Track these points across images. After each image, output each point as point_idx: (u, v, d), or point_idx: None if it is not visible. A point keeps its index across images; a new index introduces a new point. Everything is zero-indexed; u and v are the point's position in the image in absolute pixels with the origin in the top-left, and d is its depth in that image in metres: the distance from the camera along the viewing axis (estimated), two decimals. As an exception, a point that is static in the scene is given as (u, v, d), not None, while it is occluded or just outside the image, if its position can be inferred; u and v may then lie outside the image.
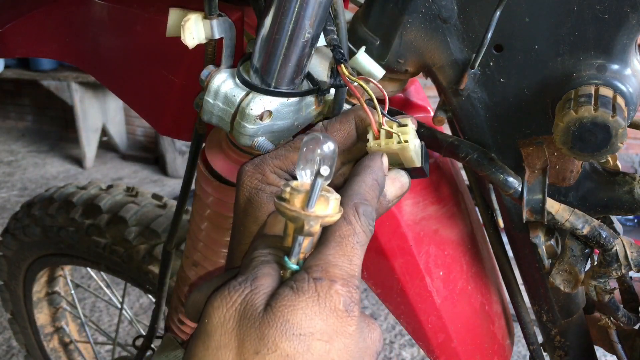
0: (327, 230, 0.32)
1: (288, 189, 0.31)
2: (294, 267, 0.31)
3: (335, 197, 0.32)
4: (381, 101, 0.38)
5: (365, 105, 0.37)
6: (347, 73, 0.38)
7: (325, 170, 0.30)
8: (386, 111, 0.38)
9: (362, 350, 0.30)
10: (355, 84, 0.38)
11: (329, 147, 0.32)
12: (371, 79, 0.38)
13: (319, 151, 0.31)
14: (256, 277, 0.30)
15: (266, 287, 0.30)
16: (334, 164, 0.32)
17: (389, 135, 0.37)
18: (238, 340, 0.28)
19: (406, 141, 0.37)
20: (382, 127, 0.37)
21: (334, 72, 0.42)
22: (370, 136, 0.38)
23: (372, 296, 2.30)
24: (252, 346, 0.28)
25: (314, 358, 0.28)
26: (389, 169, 0.40)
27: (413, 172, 0.41)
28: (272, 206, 0.37)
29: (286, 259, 0.32)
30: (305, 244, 0.32)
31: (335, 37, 0.41)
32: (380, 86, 0.39)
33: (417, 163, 0.40)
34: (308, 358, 0.27)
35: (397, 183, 0.40)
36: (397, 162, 0.40)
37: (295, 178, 0.38)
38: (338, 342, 0.28)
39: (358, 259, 0.32)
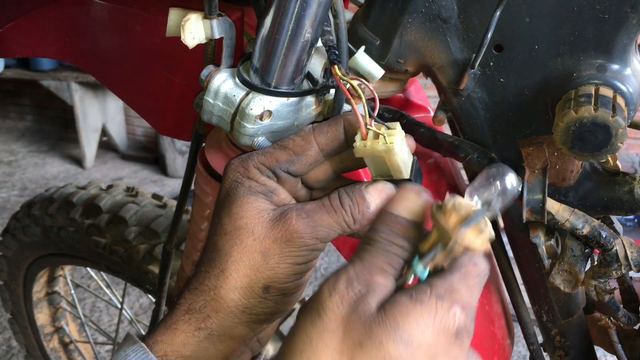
0: (456, 262, 0.32)
1: (451, 202, 0.32)
2: (420, 270, 0.32)
3: (489, 232, 0.32)
4: (382, 102, 0.38)
5: (355, 106, 0.37)
6: (339, 74, 0.38)
7: (496, 205, 0.31)
8: (376, 113, 0.38)
9: None
10: (349, 85, 0.38)
11: (512, 184, 0.32)
12: (362, 80, 0.38)
13: (499, 184, 0.32)
14: (372, 274, 0.31)
15: (382, 289, 0.30)
16: (509, 204, 0.32)
17: (376, 137, 0.38)
18: (344, 330, 0.29)
19: (391, 142, 0.37)
20: (369, 127, 0.37)
21: (328, 72, 0.42)
22: (357, 137, 0.38)
23: (372, 296, 2.29)
24: (357, 338, 0.28)
25: None
26: (376, 180, 0.40)
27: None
28: (249, 200, 0.37)
29: (417, 260, 0.32)
30: (439, 258, 0.32)
31: (331, 37, 0.41)
32: (372, 88, 0.39)
33: (405, 174, 0.39)
34: None
35: (382, 195, 0.38)
36: (386, 173, 0.40)
37: (277, 176, 0.38)
38: None
39: (477, 295, 0.32)
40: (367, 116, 0.37)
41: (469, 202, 0.32)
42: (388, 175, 0.40)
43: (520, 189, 0.32)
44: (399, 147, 0.38)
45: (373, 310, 0.29)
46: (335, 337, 0.29)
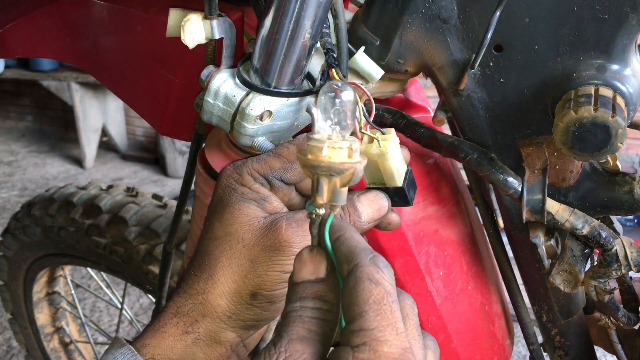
0: (358, 298, 0.29)
1: (303, 140, 0.31)
2: (312, 208, 0.31)
3: (354, 145, 0.31)
4: (381, 103, 0.38)
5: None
6: (337, 77, 0.39)
7: (342, 118, 0.30)
8: (372, 117, 0.38)
9: None
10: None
11: (347, 95, 0.31)
12: (357, 84, 0.39)
13: (333, 101, 0.31)
14: (290, 341, 0.28)
15: (301, 354, 0.28)
16: (351, 112, 0.31)
17: (371, 142, 0.38)
18: None
19: (385, 147, 0.37)
20: (363, 131, 0.38)
21: (325, 74, 0.42)
22: None
23: (372, 296, 2.29)
24: None
25: None
26: (369, 190, 0.39)
27: (395, 197, 0.41)
28: (240, 207, 0.36)
29: (308, 203, 0.31)
30: (327, 187, 0.31)
31: (329, 40, 0.41)
32: (369, 90, 0.39)
33: (398, 182, 0.39)
34: None
35: (374, 205, 0.38)
36: (379, 181, 0.40)
37: (270, 184, 0.38)
38: None
39: (401, 323, 0.28)
40: (362, 120, 0.37)
41: (318, 134, 0.31)
42: (381, 182, 0.40)
43: (354, 95, 0.32)
44: (393, 152, 0.38)
45: None
46: None
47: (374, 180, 0.40)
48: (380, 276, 0.29)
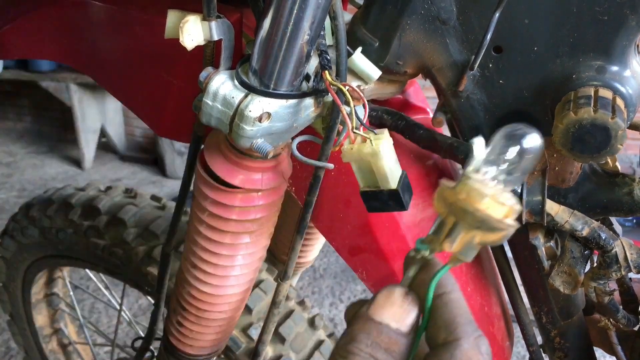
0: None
1: (465, 176, 0.26)
2: (425, 247, 0.27)
3: (513, 203, 0.26)
4: (381, 104, 0.38)
5: (344, 111, 0.38)
6: (330, 79, 0.39)
7: (516, 172, 0.26)
8: (365, 117, 0.38)
9: None
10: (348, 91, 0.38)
11: (530, 143, 0.26)
12: (351, 85, 0.39)
13: (514, 147, 0.27)
14: None
15: None
16: (530, 167, 0.27)
17: (364, 141, 0.38)
18: None
19: (377, 146, 0.37)
20: (356, 131, 0.37)
21: (318, 76, 0.42)
22: (346, 142, 0.38)
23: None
24: None
25: None
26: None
27: (390, 200, 0.40)
28: None
29: (421, 240, 0.28)
30: (464, 237, 0.27)
31: (323, 41, 0.41)
32: (364, 92, 0.39)
33: (392, 184, 0.39)
34: None
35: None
36: (373, 183, 0.40)
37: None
38: None
39: None
40: (355, 120, 0.37)
41: (481, 175, 0.27)
42: (375, 185, 0.40)
43: (541, 145, 0.27)
44: (386, 151, 0.38)
45: None
46: None
47: (368, 183, 0.40)
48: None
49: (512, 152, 0.27)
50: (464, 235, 0.27)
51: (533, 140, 0.27)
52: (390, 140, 0.39)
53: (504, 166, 0.27)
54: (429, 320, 0.27)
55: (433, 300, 0.27)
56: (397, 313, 0.28)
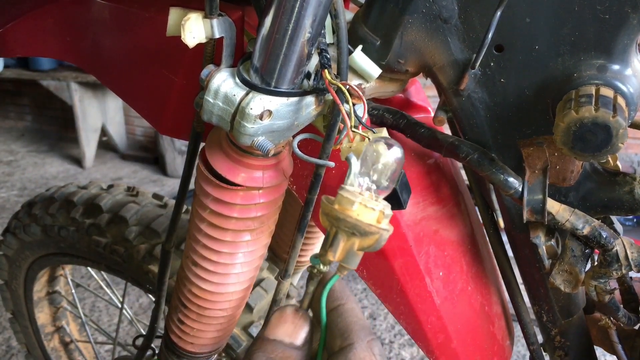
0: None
1: (341, 192, 0.29)
2: (317, 262, 0.29)
3: (387, 211, 0.28)
4: (382, 103, 0.38)
5: (343, 109, 0.38)
6: (329, 78, 0.39)
7: (382, 180, 0.28)
8: (364, 116, 0.38)
9: None
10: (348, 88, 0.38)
11: (394, 154, 0.29)
12: (350, 84, 0.39)
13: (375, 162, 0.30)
14: None
15: None
16: (396, 173, 0.29)
17: (362, 140, 0.38)
18: None
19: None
20: (354, 130, 0.38)
21: (318, 75, 0.42)
22: (344, 140, 0.38)
23: (371, 296, 2.30)
24: None
25: None
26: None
27: (388, 199, 0.40)
28: None
29: (313, 256, 0.30)
30: (344, 245, 0.29)
31: (323, 40, 0.41)
32: (365, 90, 0.39)
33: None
34: None
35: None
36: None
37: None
38: None
39: None
40: (353, 119, 0.38)
41: (355, 187, 0.30)
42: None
43: (402, 156, 0.30)
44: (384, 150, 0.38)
45: None
46: None
47: None
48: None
49: (378, 162, 0.30)
50: (344, 243, 0.29)
51: (394, 152, 0.30)
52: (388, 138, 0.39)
53: (375, 176, 0.30)
54: (326, 332, 0.29)
55: (329, 313, 0.29)
56: (289, 329, 0.29)
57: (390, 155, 0.30)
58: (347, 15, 0.50)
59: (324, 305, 0.30)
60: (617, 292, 0.60)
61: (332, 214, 0.28)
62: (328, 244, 0.29)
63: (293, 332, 0.29)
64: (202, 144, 0.54)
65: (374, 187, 0.30)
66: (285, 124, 0.43)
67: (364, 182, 0.30)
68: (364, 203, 0.28)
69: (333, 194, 0.57)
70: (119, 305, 1.20)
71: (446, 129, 0.55)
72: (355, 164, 0.30)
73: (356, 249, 0.29)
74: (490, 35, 0.42)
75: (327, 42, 0.43)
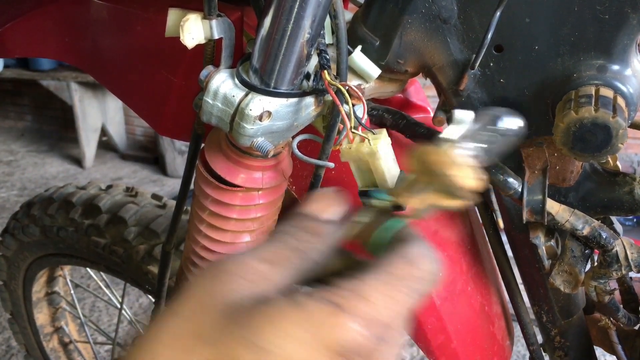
0: (378, 263, 0.24)
1: (446, 143, 0.28)
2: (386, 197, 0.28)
3: (482, 177, 0.27)
4: (381, 103, 0.38)
5: (342, 110, 0.38)
6: (328, 79, 0.39)
7: (493, 147, 0.28)
8: (364, 117, 0.38)
9: None
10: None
11: (511, 124, 0.28)
12: (349, 84, 0.39)
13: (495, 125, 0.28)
14: (254, 261, 0.24)
15: (261, 281, 0.23)
16: (507, 146, 0.28)
17: (362, 141, 0.38)
18: (198, 320, 0.22)
19: (376, 145, 0.37)
20: (354, 131, 0.38)
21: (317, 75, 0.42)
22: (344, 141, 0.38)
23: (371, 296, 2.29)
24: (208, 333, 0.21)
25: None
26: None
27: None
28: None
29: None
30: (424, 199, 0.27)
31: (322, 40, 0.41)
32: (364, 90, 0.39)
33: (390, 183, 0.39)
34: None
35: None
36: (372, 183, 0.40)
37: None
38: None
39: (405, 305, 0.24)
40: (353, 120, 0.38)
41: (462, 147, 0.28)
42: (374, 184, 0.40)
43: (520, 129, 0.29)
44: (384, 151, 0.38)
45: (237, 303, 0.22)
46: (184, 327, 0.22)
47: (367, 183, 0.40)
48: (418, 257, 0.24)
49: (491, 131, 0.29)
50: (428, 195, 0.28)
51: (512, 122, 0.29)
52: (388, 140, 0.39)
53: (482, 144, 0.28)
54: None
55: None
56: (326, 205, 0.28)
57: (507, 124, 0.28)
58: (347, 15, 0.50)
59: (382, 239, 0.27)
60: (617, 293, 0.60)
61: (431, 166, 0.27)
62: (410, 189, 0.27)
63: (330, 207, 0.27)
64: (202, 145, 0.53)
65: (478, 153, 0.28)
66: (284, 125, 0.43)
67: (468, 145, 0.28)
68: (467, 168, 0.27)
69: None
70: (119, 306, 1.20)
71: (446, 130, 0.55)
72: (466, 120, 0.29)
73: (436, 204, 0.28)
74: (489, 36, 0.41)
75: (327, 42, 0.43)
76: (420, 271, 0.25)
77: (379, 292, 0.23)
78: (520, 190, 0.47)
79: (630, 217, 2.61)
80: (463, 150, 0.28)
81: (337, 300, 0.22)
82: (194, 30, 0.43)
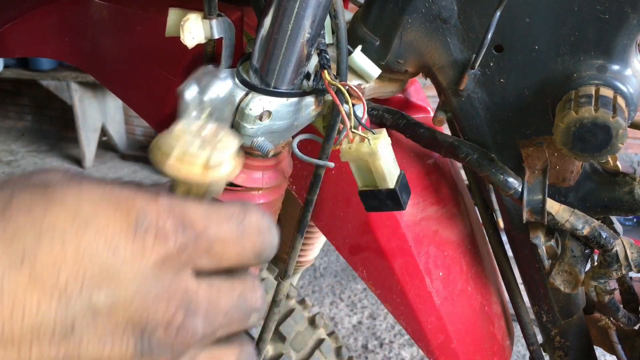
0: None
1: (159, 138, 0.24)
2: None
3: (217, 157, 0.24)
4: (381, 103, 0.38)
5: (342, 110, 0.38)
6: (328, 79, 0.39)
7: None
8: (364, 117, 0.38)
9: (145, 292, 0.21)
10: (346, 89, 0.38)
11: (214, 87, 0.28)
12: (349, 84, 0.39)
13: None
14: None
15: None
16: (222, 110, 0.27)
17: (362, 141, 0.38)
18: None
19: (376, 145, 0.37)
20: (354, 131, 0.38)
21: (317, 75, 0.42)
22: (344, 141, 0.38)
23: (371, 296, 2.30)
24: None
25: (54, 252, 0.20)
26: None
27: (388, 200, 0.40)
28: None
29: None
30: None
31: (322, 40, 0.41)
32: (365, 90, 0.39)
33: (390, 183, 0.39)
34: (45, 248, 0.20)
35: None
36: (371, 183, 0.40)
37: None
38: (97, 251, 0.20)
39: (218, 219, 0.23)
40: (353, 120, 0.38)
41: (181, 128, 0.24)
42: (373, 184, 0.40)
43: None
44: (384, 151, 0.38)
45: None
46: None
47: (367, 182, 0.40)
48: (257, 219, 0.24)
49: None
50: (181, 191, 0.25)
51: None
52: (388, 140, 0.39)
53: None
54: None
55: None
56: None
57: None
58: (347, 15, 0.50)
59: None
60: (617, 292, 0.60)
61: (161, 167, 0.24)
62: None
63: None
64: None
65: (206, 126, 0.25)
66: (284, 125, 0.43)
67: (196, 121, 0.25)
68: (185, 154, 0.23)
69: (332, 194, 0.57)
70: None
71: (446, 129, 0.55)
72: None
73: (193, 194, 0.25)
74: (489, 36, 0.41)
75: (327, 42, 0.43)
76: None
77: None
78: (520, 190, 0.47)
79: (630, 217, 2.61)
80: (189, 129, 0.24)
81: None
82: (194, 30, 0.43)
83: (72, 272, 0.20)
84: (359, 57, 0.46)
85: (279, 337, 0.80)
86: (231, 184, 0.46)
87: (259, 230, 0.25)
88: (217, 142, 0.24)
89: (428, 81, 0.50)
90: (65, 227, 0.20)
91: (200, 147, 0.24)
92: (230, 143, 0.25)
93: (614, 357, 0.61)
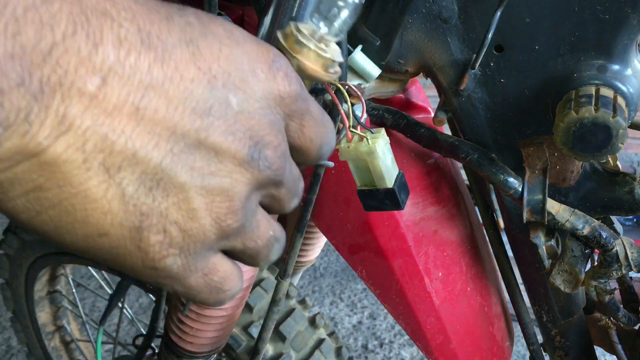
0: None
1: (291, 26, 0.30)
2: None
3: (328, 58, 0.29)
4: (382, 103, 0.38)
5: (342, 109, 0.38)
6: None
7: (339, 22, 0.30)
8: (363, 116, 0.38)
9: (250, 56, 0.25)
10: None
11: None
12: (349, 84, 0.39)
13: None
14: None
15: None
16: (353, 18, 0.31)
17: (361, 140, 0.38)
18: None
19: (374, 145, 0.38)
20: (353, 130, 0.38)
21: None
22: (343, 140, 0.38)
23: (371, 296, 2.30)
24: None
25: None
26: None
27: (386, 199, 0.40)
28: None
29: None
30: None
31: None
32: (360, 92, 0.39)
33: (388, 183, 0.39)
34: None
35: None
36: (370, 182, 0.40)
37: None
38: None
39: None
40: (352, 119, 0.38)
41: (310, 25, 0.30)
42: (372, 184, 0.40)
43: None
44: (382, 150, 0.38)
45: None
46: None
47: (365, 182, 0.41)
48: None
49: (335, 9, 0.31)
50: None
51: None
52: (386, 140, 0.39)
53: (329, 21, 0.30)
54: None
55: None
56: None
57: None
58: (347, 15, 0.50)
59: None
60: (617, 292, 0.60)
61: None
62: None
63: None
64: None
65: (326, 30, 0.30)
66: (284, 124, 0.43)
67: (315, 25, 0.30)
68: (315, 50, 0.29)
69: (332, 193, 0.57)
70: (119, 305, 1.20)
71: (446, 129, 0.55)
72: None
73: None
74: (490, 36, 0.42)
75: (327, 42, 0.43)
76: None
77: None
78: (520, 190, 0.47)
79: (630, 217, 2.61)
80: (307, 32, 0.29)
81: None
82: (194, 29, 0.43)
83: (221, 68, 0.24)
84: (359, 57, 0.46)
85: (279, 336, 0.81)
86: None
87: (330, 128, 0.30)
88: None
89: (428, 81, 0.50)
90: (223, 37, 0.24)
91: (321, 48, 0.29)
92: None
93: (614, 357, 0.61)
